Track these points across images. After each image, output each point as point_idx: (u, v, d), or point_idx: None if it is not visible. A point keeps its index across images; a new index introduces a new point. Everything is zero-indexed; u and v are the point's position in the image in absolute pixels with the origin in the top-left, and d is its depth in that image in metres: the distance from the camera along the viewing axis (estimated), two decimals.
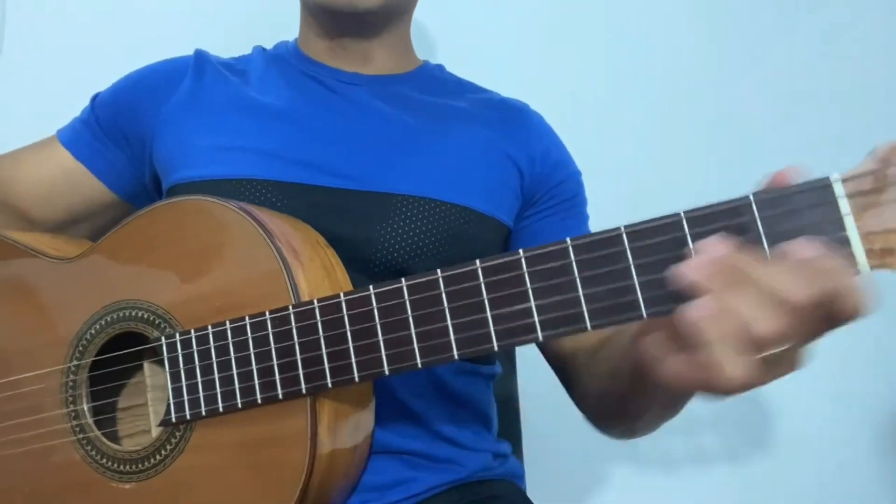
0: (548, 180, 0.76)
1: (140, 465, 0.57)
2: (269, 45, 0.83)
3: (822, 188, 0.39)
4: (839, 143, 0.91)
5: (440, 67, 0.84)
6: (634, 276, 0.42)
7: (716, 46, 1.12)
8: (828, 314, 0.38)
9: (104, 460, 0.59)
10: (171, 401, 0.55)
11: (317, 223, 0.64)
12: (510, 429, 0.83)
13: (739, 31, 1.12)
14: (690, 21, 1.13)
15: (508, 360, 0.92)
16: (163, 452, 0.56)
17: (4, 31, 1.05)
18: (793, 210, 0.39)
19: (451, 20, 1.11)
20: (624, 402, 0.63)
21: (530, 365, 0.91)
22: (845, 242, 0.38)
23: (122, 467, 0.58)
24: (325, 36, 0.77)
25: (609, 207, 0.98)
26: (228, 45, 0.84)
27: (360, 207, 0.67)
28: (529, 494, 0.73)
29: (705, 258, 0.39)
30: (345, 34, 0.76)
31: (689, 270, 0.39)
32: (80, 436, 0.60)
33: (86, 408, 0.60)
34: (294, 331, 0.51)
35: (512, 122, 0.77)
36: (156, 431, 0.59)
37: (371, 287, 0.49)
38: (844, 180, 0.39)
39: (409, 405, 0.66)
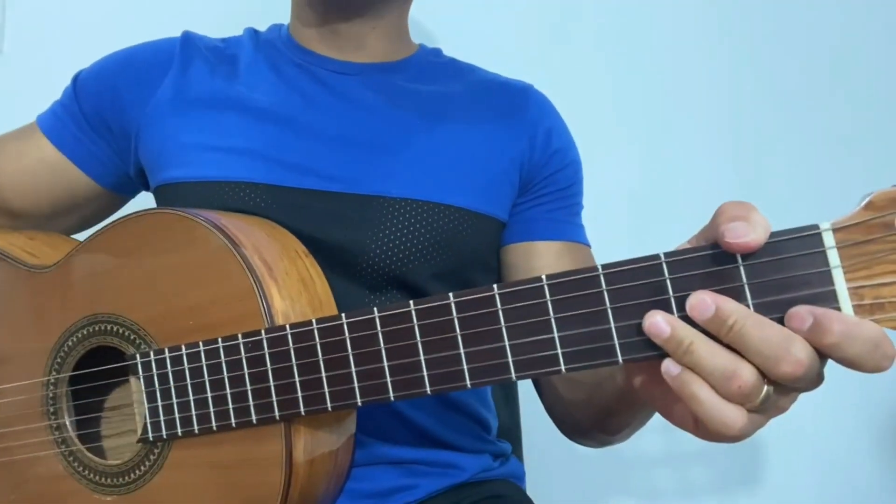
0: (545, 168, 0.72)
1: (121, 479, 0.57)
2: (262, 27, 0.78)
3: (810, 237, 0.37)
4: (842, 145, 0.88)
5: (436, 51, 0.80)
6: (611, 321, 0.40)
7: (717, 46, 1.07)
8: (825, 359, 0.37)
9: (86, 472, 0.59)
10: (148, 420, 0.54)
11: (305, 228, 0.62)
12: (510, 429, 0.82)
13: (741, 30, 1.07)
14: (695, 18, 1.08)
15: None
16: (142, 468, 0.56)
17: (4, 31, 1.03)
18: (779, 259, 0.37)
19: (450, 7, 1.06)
20: (606, 416, 0.62)
21: None
22: (832, 297, 0.36)
23: (103, 480, 0.58)
24: (316, 21, 0.72)
25: (608, 207, 0.96)
26: (225, 27, 0.80)
27: (350, 211, 0.64)
28: (529, 495, 0.73)
29: (682, 315, 0.37)
30: (338, 18, 0.71)
31: (665, 325, 0.37)
32: (63, 448, 0.60)
33: (68, 422, 0.60)
34: (267, 356, 0.50)
35: (512, 107, 0.73)
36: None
37: (343, 315, 0.48)
38: (835, 230, 0.36)
39: (405, 415, 0.65)
